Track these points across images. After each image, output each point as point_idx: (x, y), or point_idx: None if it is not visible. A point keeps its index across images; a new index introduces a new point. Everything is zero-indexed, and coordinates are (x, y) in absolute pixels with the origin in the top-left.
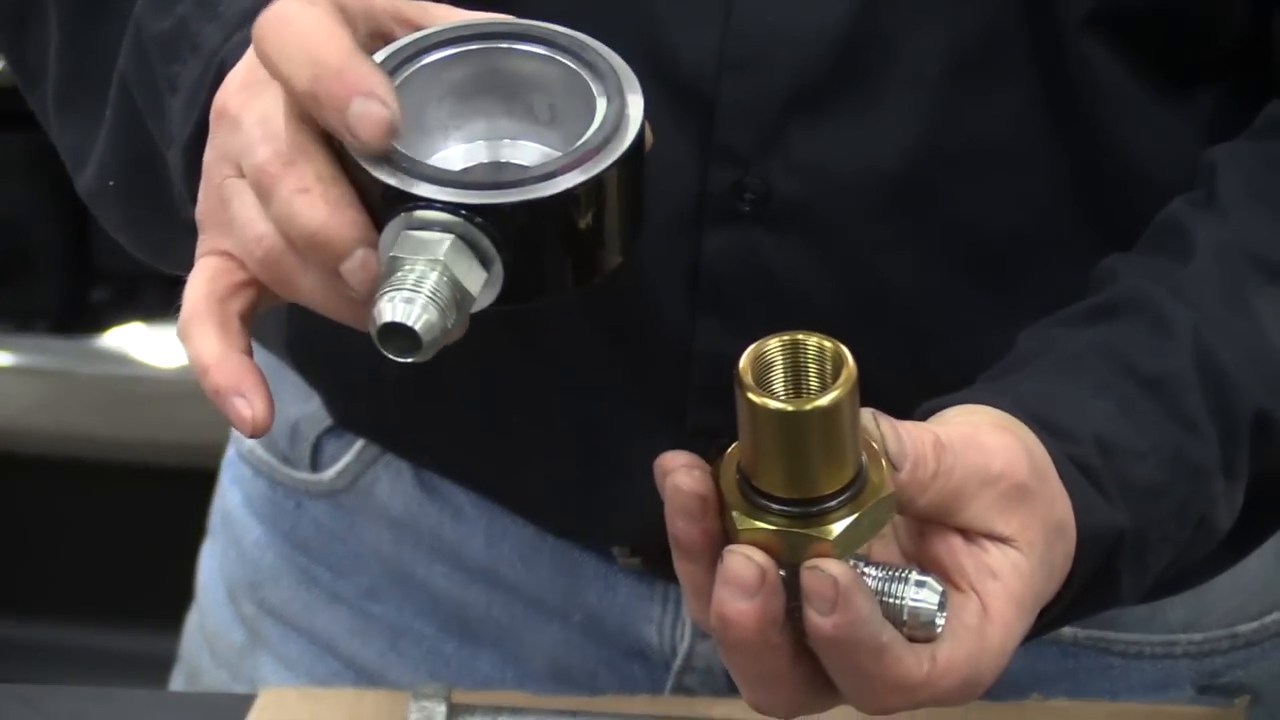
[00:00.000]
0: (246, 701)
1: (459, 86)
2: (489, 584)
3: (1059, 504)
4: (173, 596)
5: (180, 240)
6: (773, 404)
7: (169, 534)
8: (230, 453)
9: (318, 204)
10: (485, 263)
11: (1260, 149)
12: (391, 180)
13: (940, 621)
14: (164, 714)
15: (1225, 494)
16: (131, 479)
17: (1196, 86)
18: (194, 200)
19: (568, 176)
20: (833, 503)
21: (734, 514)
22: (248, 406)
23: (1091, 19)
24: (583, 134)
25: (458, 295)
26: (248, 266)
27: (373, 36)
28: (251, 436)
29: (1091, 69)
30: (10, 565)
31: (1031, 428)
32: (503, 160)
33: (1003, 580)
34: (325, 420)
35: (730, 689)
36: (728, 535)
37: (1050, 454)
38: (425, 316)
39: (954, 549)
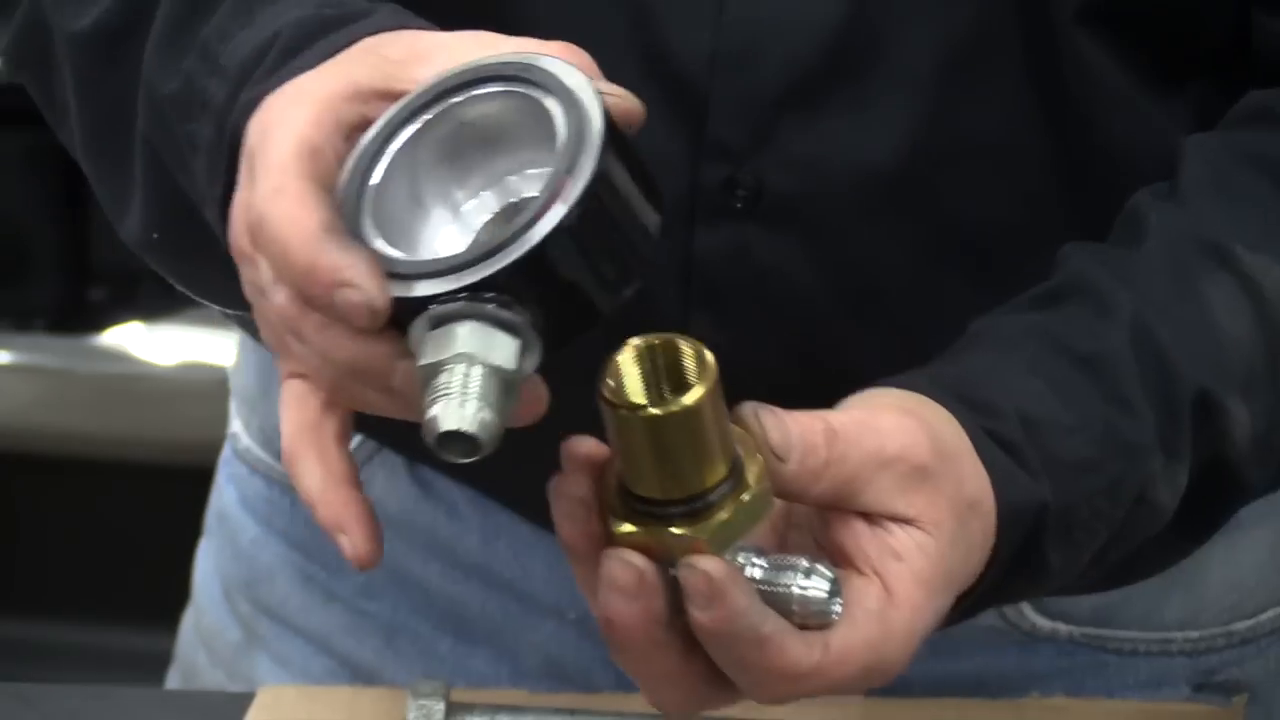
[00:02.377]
0: (245, 700)
1: (439, 152)
2: (484, 581)
3: (970, 482)
4: (171, 595)
5: (229, 287)
6: (632, 410)
7: (167, 532)
8: (226, 451)
9: (342, 338)
10: (513, 330)
11: (1228, 139)
12: (395, 292)
13: (835, 608)
14: (162, 713)
15: (1165, 474)
16: (130, 477)
17: (1186, 82)
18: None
19: (552, 212)
20: (705, 500)
21: (610, 518)
22: (350, 545)
23: (1083, 14)
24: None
25: (502, 378)
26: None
27: (368, 119)
28: (360, 570)
29: (1083, 65)
30: (8, 563)
31: (950, 404)
32: (515, 200)
33: (907, 562)
34: None
35: None
36: (610, 538)
37: (967, 429)
38: (480, 417)
39: (857, 533)
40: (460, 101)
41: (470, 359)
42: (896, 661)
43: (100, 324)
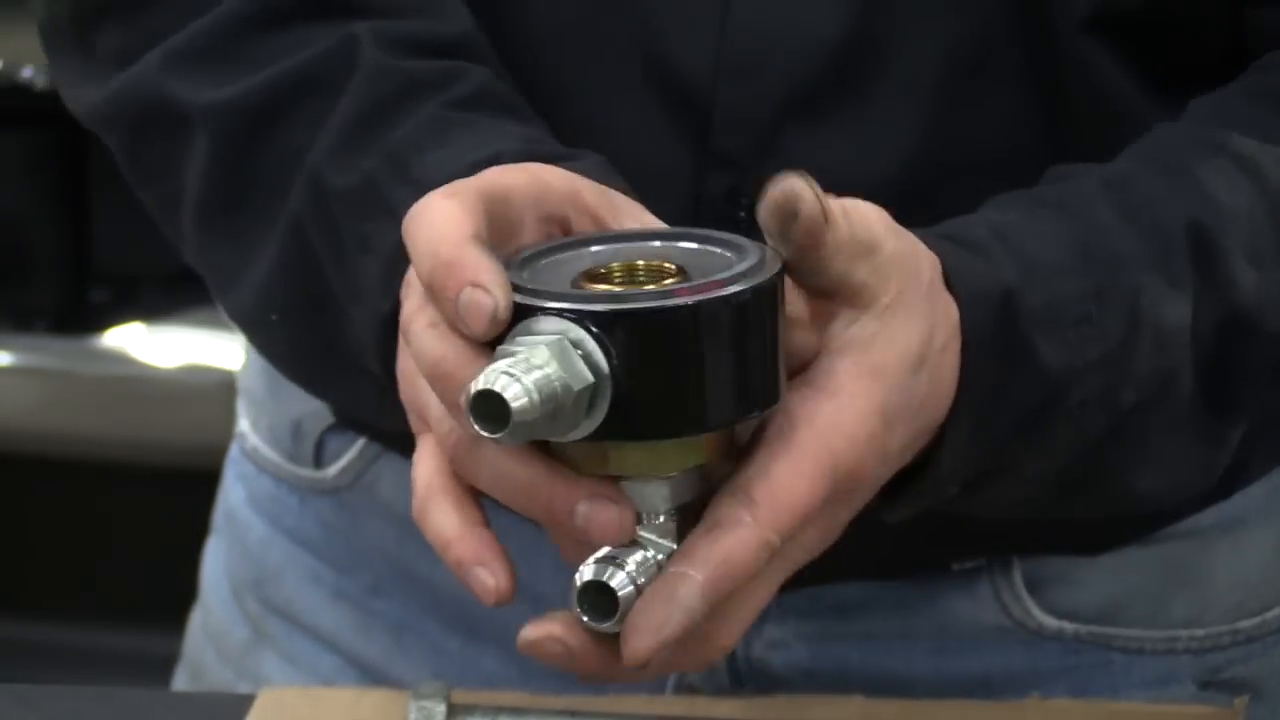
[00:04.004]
0: (246, 702)
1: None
2: None
3: (925, 263)
4: (173, 596)
5: (340, 380)
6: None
7: (169, 534)
8: (234, 450)
9: (441, 337)
10: (592, 368)
11: (1236, 85)
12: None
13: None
14: (163, 714)
15: (1163, 294)
16: (131, 479)
17: (1193, 89)
18: (382, 361)
19: (682, 296)
20: None
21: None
22: (490, 576)
23: (1089, 22)
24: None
25: (559, 388)
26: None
27: (548, 222)
28: (495, 605)
29: (1087, 74)
30: (9, 564)
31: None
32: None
33: (842, 353)
34: (328, 418)
35: (733, 686)
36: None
37: (923, 238)
38: (523, 396)
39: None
40: (655, 246)
41: (544, 354)
42: (861, 460)
43: (102, 325)
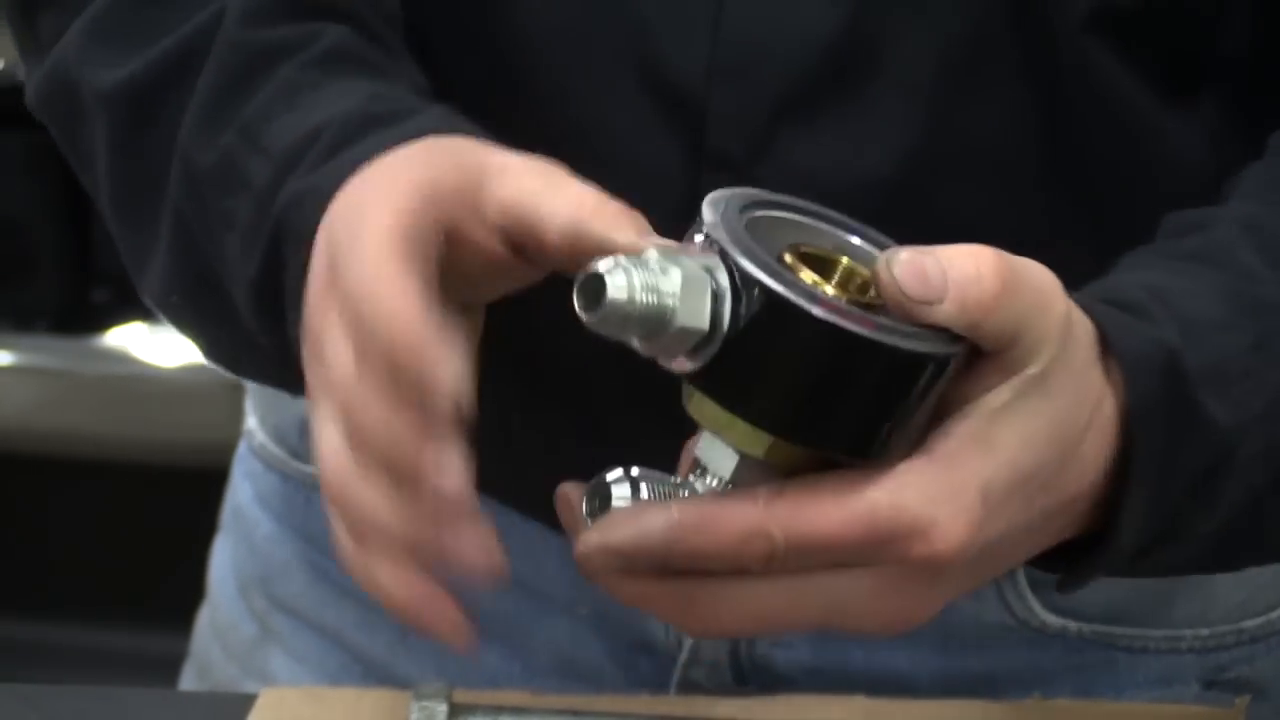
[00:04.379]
0: (248, 701)
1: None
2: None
3: (1081, 331)
4: (173, 596)
5: (250, 353)
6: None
7: (170, 534)
8: (241, 448)
9: (389, 412)
10: (714, 320)
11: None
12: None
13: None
14: (165, 713)
15: None
16: (132, 479)
17: (1199, 93)
18: (264, 333)
19: (841, 318)
20: None
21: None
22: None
23: (1090, 20)
24: None
25: (666, 303)
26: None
27: (451, 221)
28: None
29: (1088, 73)
30: (10, 564)
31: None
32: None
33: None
34: None
35: (736, 685)
36: None
37: (1079, 303)
38: (628, 279)
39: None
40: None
41: (671, 268)
42: (947, 520)
43: (103, 325)
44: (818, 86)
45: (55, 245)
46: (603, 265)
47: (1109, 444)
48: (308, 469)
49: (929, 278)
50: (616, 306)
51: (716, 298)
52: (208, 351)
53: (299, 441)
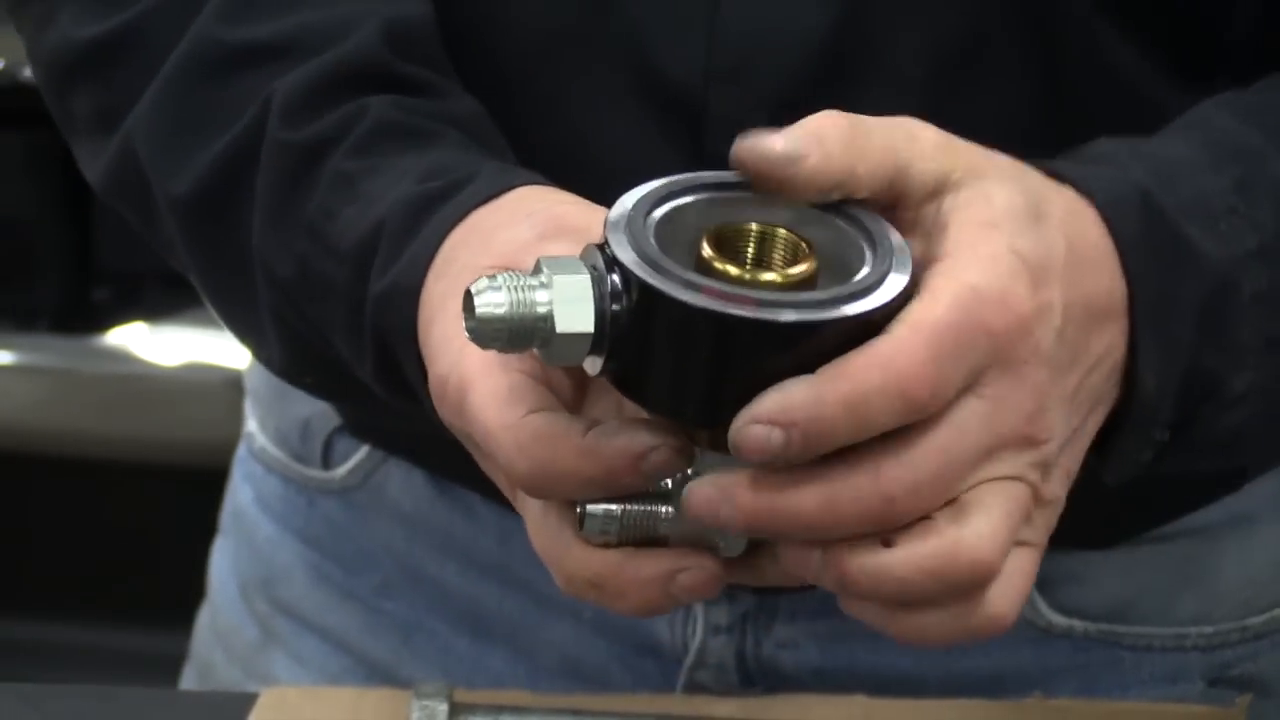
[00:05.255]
0: (249, 701)
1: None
2: (501, 581)
3: (1003, 160)
4: (173, 596)
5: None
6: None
7: (170, 533)
8: (242, 450)
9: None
10: (598, 318)
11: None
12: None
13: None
14: (165, 713)
15: None
16: (133, 478)
17: (1210, 77)
18: (403, 404)
19: (712, 299)
20: None
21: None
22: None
23: (1101, 5)
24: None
25: (539, 312)
26: None
27: None
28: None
29: (1099, 55)
30: (11, 564)
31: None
32: None
33: (961, 214)
34: (336, 419)
35: (742, 687)
36: None
37: (1034, 165)
38: (499, 296)
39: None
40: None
41: (547, 276)
42: (1005, 317)
43: (104, 324)
44: (814, 85)
45: (55, 245)
46: (478, 284)
47: (1110, 262)
48: (310, 472)
49: (784, 139)
50: (487, 320)
51: (604, 299)
52: (338, 409)
53: (300, 445)
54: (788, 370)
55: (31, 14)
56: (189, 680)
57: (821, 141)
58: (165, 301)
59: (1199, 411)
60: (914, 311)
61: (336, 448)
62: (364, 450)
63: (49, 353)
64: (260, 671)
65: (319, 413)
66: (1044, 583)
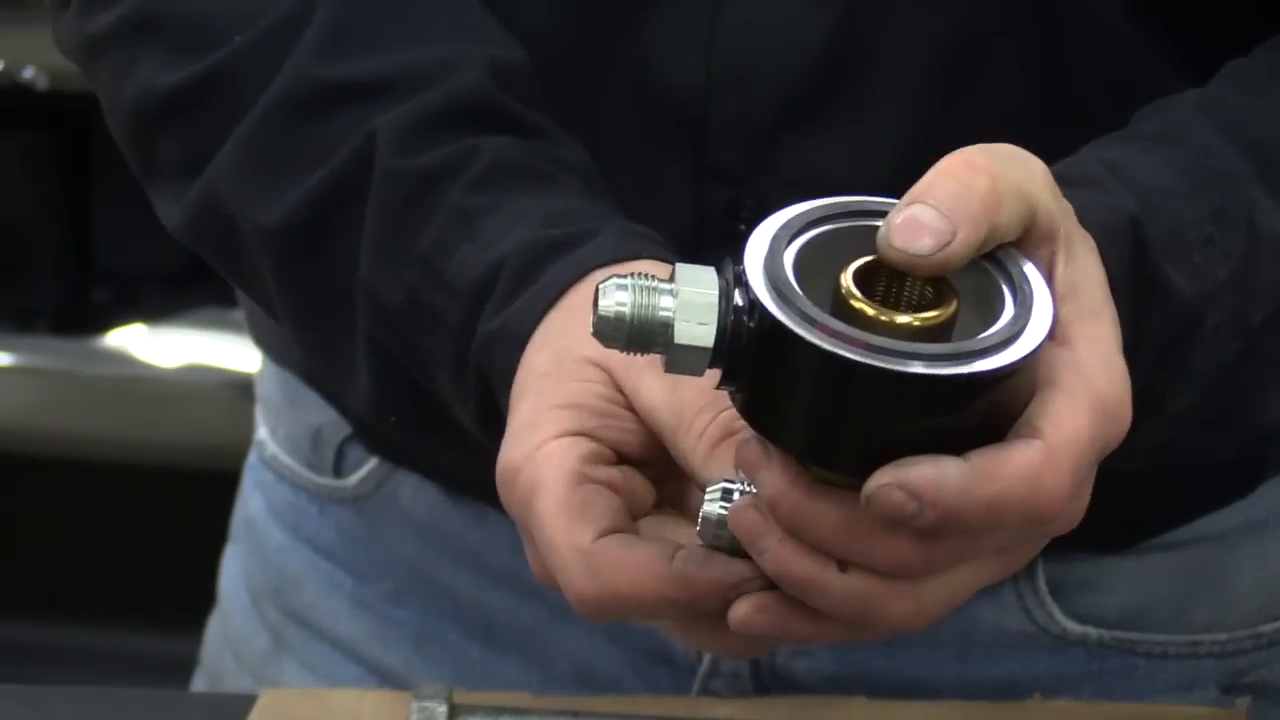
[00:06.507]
0: (248, 701)
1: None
2: (513, 588)
3: (1069, 215)
4: (174, 597)
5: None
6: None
7: (170, 534)
8: (252, 458)
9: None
10: (719, 337)
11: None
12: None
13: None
14: (165, 714)
15: (1273, 208)
16: (132, 480)
17: (1216, 66)
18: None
19: (826, 339)
20: None
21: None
22: None
23: (1105, 6)
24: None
25: (661, 318)
26: None
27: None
28: None
29: (1099, 60)
30: (10, 565)
31: None
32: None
33: (1075, 300)
34: (348, 427)
35: (757, 693)
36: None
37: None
38: (624, 295)
39: None
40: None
41: (676, 291)
42: (1119, 429)
43: (103, 325)
44: (814, 94)
45: (55, 245)
46: (606, 283)
47: None
48: (321, 480)
49: (924, 223)
50: (608, 320)
51: (728, 316)
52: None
53: (312, 453)
54: (914, 417)
55: (108, 66)
56: (199, 687)
57: (969, 217)
58: (165, 303)
59: (1135, 425)
60: (1058, 413)
61: (348, 456)
62: (375, 459)
63: (48, 354)
64: (271, 679)
65: (330, 421)
66: (1058, 590)
